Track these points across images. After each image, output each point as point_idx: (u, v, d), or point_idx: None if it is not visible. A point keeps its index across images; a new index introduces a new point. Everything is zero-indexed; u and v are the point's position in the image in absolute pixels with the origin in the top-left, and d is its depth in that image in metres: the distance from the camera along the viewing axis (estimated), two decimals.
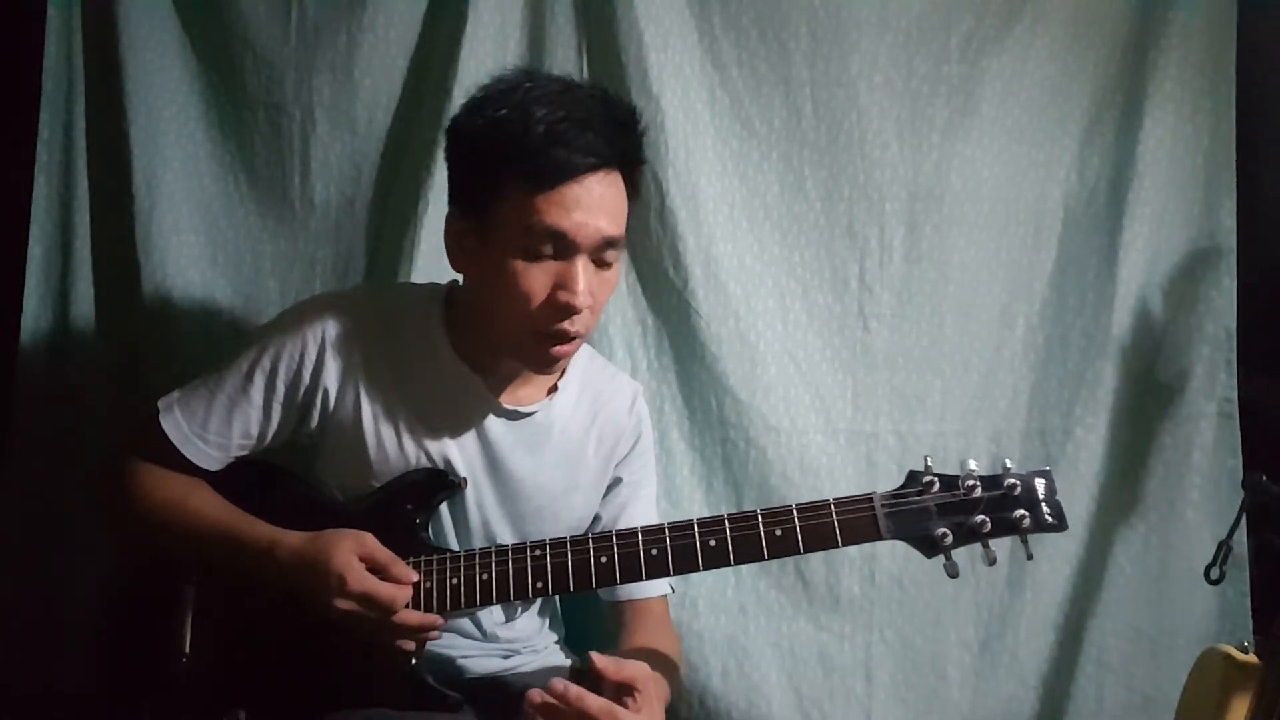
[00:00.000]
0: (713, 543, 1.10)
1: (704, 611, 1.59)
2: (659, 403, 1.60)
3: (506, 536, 1.26)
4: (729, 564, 1.11)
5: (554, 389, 1.27)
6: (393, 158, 1.56)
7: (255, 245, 1.58)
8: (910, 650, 1.63)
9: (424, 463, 1.21)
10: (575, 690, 1.00)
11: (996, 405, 1.65)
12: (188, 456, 1.20)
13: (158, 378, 1.44)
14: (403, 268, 1.52)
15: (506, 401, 1.23)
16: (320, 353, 1.19)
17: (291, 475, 1.25)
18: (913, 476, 1.11)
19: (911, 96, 1.60)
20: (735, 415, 1.59)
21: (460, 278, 1.23)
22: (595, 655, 1.05)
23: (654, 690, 1.07)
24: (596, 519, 1.33)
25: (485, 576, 1.14)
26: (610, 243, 1.12)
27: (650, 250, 1.58)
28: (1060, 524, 1.09)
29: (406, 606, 1.12)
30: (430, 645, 1.17)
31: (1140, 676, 1.62)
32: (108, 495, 1.25)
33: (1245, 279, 1.62)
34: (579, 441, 1.29)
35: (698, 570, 1.11)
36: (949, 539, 1.08)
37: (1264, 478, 1.31)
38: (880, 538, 1.09)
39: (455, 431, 1.23)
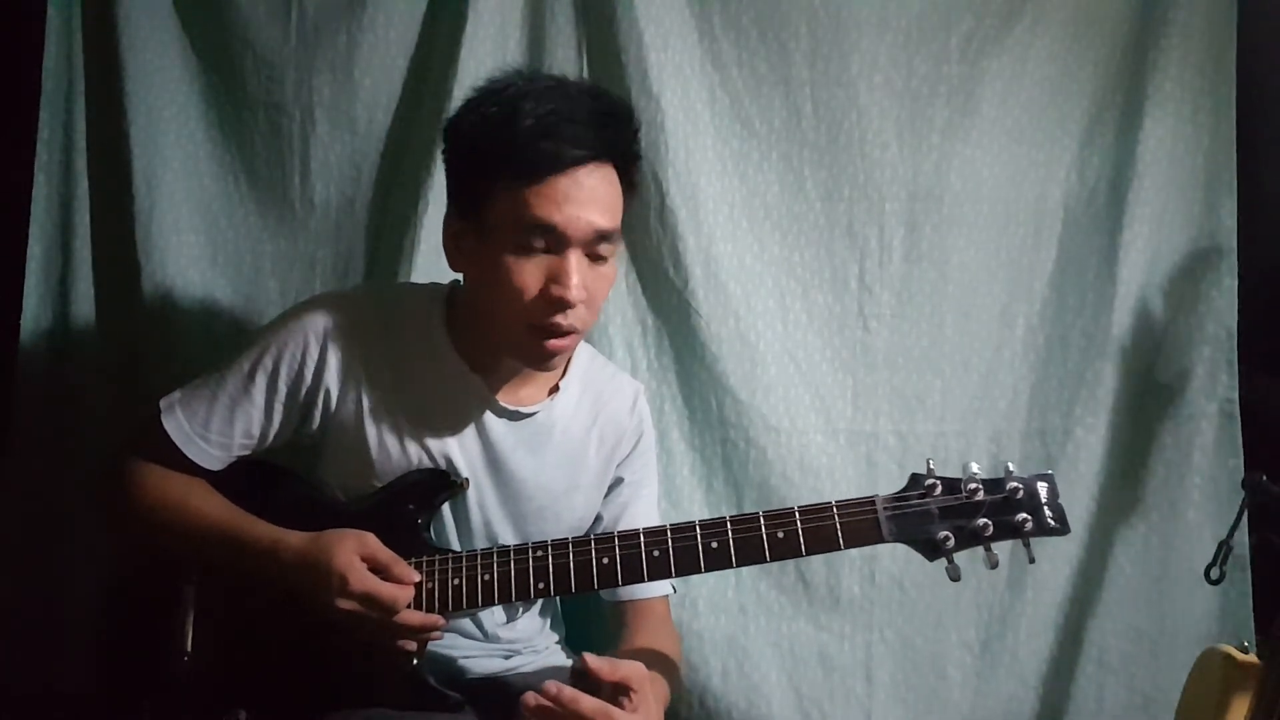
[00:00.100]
0: (715, 544, 1.10)
1: (704, 611, 1.59)
2: (659, 403, 1.60)
3: (508, 537, 1.26)
4: (731, 566, 1.11)
5: (555, 389, 1.27)
6: (393, 158, 1.56)
7: (255, 245, 1.58)
8: (910, 650, 1.63)
9: (426, 463, 1.21)
10: (569, 692, 1.00)
11: (996, 405, 1.65)
12: (189, 456, 1.19)
13: (158, 378, 1.44)
14: (403, 268, 1.52)
15: (508, 402, 1.23)
16: (322, 352, 1.19)
17: (293, 475, 1.25)
18: (915, 479, 1.11)
19: (911, 96, 1.60)
20: (735, 415, 1.59)
21: (461, 278, 1.23)
22: (588, 656, 1.05)
23: (651, 690, 1.07)
24: (598, 519, 1.33)
25: (487, 577, 1.13)
26: (603, 236, 1.11)
27: (650, 250, 1.58)
28: (1063, 527, 1.09)
29: (408, 607, 1.11)
30: (431, 645, 1.17)
31: (1140, 676, 1.62)
32: (108, 495, 1.25)
33: (1246, 279, 1.62)
34: (580, 441, 1.29)
35: (699, 572, 1.11)
36: (951, 542, 1.08)
37: (1264, 478, 1.31)
38: (882, 540, 1.09)
39: (457, 431, 1.22)
